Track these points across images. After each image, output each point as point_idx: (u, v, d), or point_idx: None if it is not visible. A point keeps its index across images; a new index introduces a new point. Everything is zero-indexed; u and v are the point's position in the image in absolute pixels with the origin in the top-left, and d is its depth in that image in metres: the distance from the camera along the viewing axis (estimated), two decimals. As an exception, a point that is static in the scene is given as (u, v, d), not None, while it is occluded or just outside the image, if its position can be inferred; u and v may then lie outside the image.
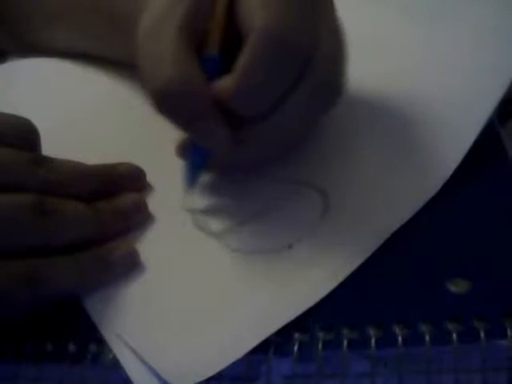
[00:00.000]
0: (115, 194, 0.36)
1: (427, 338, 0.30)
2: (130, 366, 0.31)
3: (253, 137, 0.35)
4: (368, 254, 0.33)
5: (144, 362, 0.30)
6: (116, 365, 0.31)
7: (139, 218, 0.36)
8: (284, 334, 0.31)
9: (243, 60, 0.32)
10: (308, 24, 0.33)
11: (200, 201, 0.37)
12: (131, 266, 0.34)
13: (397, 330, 0.30)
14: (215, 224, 0.36)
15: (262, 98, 0.33)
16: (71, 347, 0.32)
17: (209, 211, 0.37)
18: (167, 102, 0.32)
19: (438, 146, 0.38)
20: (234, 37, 0.33)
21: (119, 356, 0.31)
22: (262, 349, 0.30)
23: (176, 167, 0.38)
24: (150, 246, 0.35)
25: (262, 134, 0.34)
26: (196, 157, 0.36)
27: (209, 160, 0.36)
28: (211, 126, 0.33)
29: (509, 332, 0.30)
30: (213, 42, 0.33)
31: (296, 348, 0.30)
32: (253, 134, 0.34)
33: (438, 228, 0.35)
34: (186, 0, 0.33)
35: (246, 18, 0.32)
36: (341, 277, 0.32)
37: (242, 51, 0.32)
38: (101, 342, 0.32)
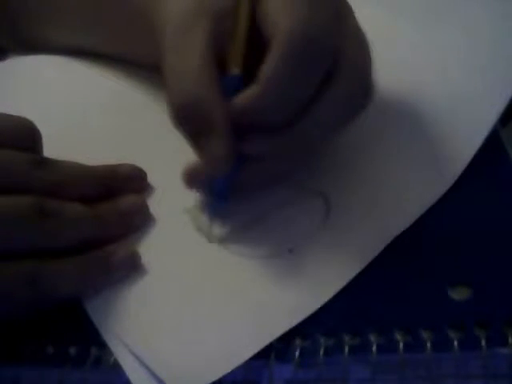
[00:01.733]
0: (116, 196, 0.36)
1: (428, 344, 0.30)
2: (131, 369, 0.30)
3: (279, 149, 0.34)
4: (369, 259, 0.33)
5: (145, 366, 0.30)
6: (117, 368, 0.31)
7: (140, 220, 0.36)
8: (285, 340, 0.31)
9: (269, 63, 0.31)
10: (333, 25, 0.32)
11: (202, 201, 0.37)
12: (132, 268, 0.34)
13: (398, 336, 0.30)
14: (216, 227, 0.36)
15: (290, 101, 0.32)
16: (72, 350, 0.31)
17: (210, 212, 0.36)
18: (183, 117, 0.33)
19: (440, 152, 0.38)
20: (253, 53, 0.33)
21: (120, 359, 0.31)
22: (264, 354, 0.30)
23: (177, 168, 0.38)
24: (151, 248, 0.35)
25: (288, 145, 0.34)
26: (217, 183, 0.35)
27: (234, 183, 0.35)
28: (221, 143, 0.33)
29: (510, 340, 0.30)
30: (235, 61, 0.33)
31: (297, 354, 0.30)
32: (279, 145, 0.34)
33: (440, 234, 0.35)
34: (210, 12, 0.34)
35: (269, 22, 0.32)
36: (342, 282, 0.33)
37: (266, 56, 0.32)
38: (102, 345, 0.32)
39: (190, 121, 0.33)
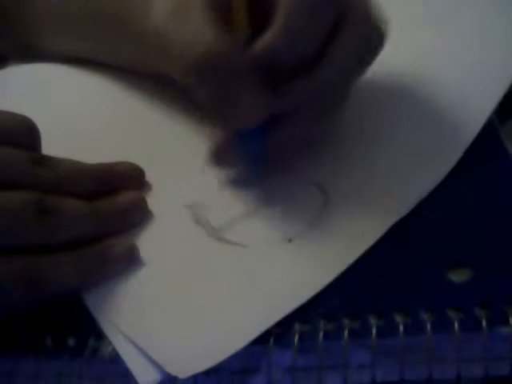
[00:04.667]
0: (115, 193, 0.36)
1: (428, 326, 0.30)
2: (130, 359, 0.30)
3: (299, 96, 0.34)
4: (368, 245, 0.33)
5: (144, 355, 0.30)
6: (115, 358, 0.30)
7: (139, 216, 0.36)
8: (284, 325, 0.30)
9: (282, 6, 0.32)
10: None
11: (201, 196, 0.37)
12: (130, 261, 0.34)
13: (398, 318, 0.30)
14: (215, 219, 0.36)
15: (307, 40, 0.32)
16: (70, 341, 0.31)
17: (209, 205, 0.37)
18: (208, 71, 0.32)
19: (438, 139, 0.38)
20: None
21: (119, 349, 0.31)
22: (263, 340, 0.30)
23: (175, 166, 0.38)
24: (149, 241, 0.35)
25: (308, 91, 0.34)
26: (252, 145, 0.35)
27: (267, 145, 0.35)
28: (254, 90, 0.33)
29: (511, 320, 0.29)
30: (241, 24, 0.33)
31: (296, 338, 0.30)
32: (298, 93, 0.34)
33: (439, 218, 0.35)
34: None
35: None
36: (341, 267, 0.32)
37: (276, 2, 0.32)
38: (100, 336, 0.31)
39: (213, 74, 0.32)
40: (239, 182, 0.37)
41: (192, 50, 0.32)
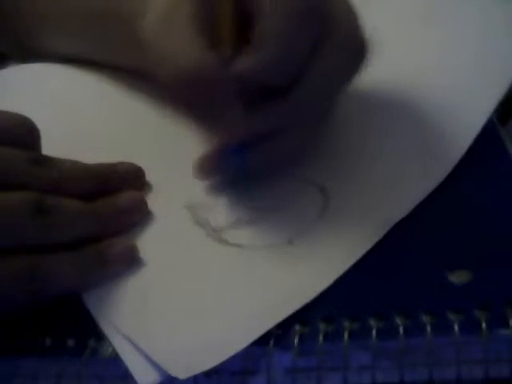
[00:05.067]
0: (115, 193, 0.36)
1: (428, 328, 0.30)
2: (130, 359, 0.30)
3: (287, 115, 0.34)
4: (368, 247, 0.33)
5: (144, 355, 0.30)
6: (115, 359, 0.30)
7: (139, 216, 0.36)
8: (284, 326, 0.30)
9: (263, 25, 0.32)
10: None
11: (201, 196, 0.37)
12: (130, 261, 0.34)
13: (398, 320, 0.30)
14: (215, 220, 0.36)
15: (288, 58, 0.33)
16: (70, 342, 0.31)
17: (209, 207, 0.37)
18: (189, 85, 0.33)
19: (437, 142, 0.38)
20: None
21: (119, 350, 0.31)
22: (263, 341, 0.30)
23: (175, 166, 0.39)
24: (149, 242, 0.35)
25: (288, 112, 0.34)
26: (234, 160, 0.35)
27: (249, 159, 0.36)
28: (235, 109, 0.33)
29: (510, 322, 0.29)
30: (225, 40, 0.33)
31: (297, 340, 0.30)
32: (286, 111, 0.34)
33: (439, 219, 0.35)
34: None
35: None
36: (341, 269, 0.32)
37: (257, 21, 0.32)
38: (100, 336, 0.31)
39: (193, 89, 0.33)
40: (226, 189, 0.37)
41: (174, 63, 0.33)
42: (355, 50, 0.35)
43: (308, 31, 0.33)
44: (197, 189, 0.38)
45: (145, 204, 0.37)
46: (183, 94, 0.34)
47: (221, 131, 0.34)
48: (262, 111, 0.34)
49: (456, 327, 0.30)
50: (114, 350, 0.31)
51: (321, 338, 0.30)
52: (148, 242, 0.35)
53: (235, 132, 0.34)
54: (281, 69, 0.33)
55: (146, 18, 0.35)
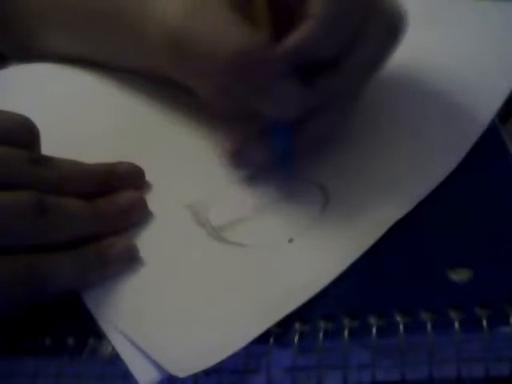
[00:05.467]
0: (114, 193, 0.36)
1: (429, 326, 0.30)
2: (130, 358, 0.30)
3: (332, 89, 0.35)
4: (368, 245, 0.33)
5: (144, 354, 0.30)
6: (115, 358, 0.30)
7: (138, 215, 0.36)
8: (284, 325, 0.30)
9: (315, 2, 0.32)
10: None
11: (201, 196, 0.37)
12: (130, 261, 0.34)
13: (398, 318, 0.30)
14: (215, 219, 0.36)
15: (340, 32, 0.33)
16: (70, 341, 0.31)
17: (209, 205, 0.37)
18: (244, 68, 0.33)
19: (439, 140, 0.38)
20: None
21: (119, 349, 0.31)
22: (263, 339, 0.30)
23: (176, 166, 0.39)
24: (149, 241, 0.35)
25: (341, 84, 0.35)
26: (280, 140, 0.35)
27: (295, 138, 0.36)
28: (292, 85, 0.33)
29: (511, 319, 0.29)
30: (261, 21, 0.34)
31: (296, 338, 0.30)
32: (332, 86, 0.35)
33: (439, 217, 0.35)
34: None
35: None
36: (341, 267, 0.32)
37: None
38: (100, 335, 0.31)
39: (249, 71, 0.33)
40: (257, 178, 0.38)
41: (224, 50, 0.33)
42: (395, 24, 0.35)
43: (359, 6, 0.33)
44: (197, 188, 0.38)
45: (144, 204, 0.37)
46: (240, 81, 0.33)
47: (280, 108, 0.34)
48: (318, 85, 0.34)
49: (456, 325, 0.30)
50: (113, 348, 0.31)
51: (321, 336, 0.30)
52: (148, 242, 0.35)
53: (295, 106, 0.34)
54: (334, 38, 0.33)
55: (169, 11, 0.35)
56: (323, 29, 0.33)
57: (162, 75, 0.40)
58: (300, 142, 0.36)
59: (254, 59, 0.32)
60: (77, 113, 0.43)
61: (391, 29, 0.35)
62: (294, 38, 0.33)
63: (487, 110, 0.40)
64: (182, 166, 0.39)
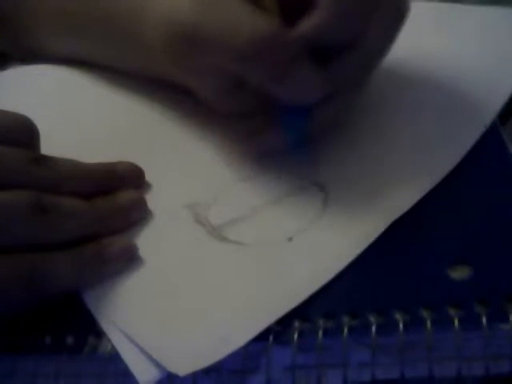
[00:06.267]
0: (114, 193, 0.36)
1: (428, 324, 0.30)
2: (129, 357, 0.30)
3: (349, 71, 0.35)
4: (367, 244, 0.33)
5: (143, 353, 0.30)
6: (115, 357, 0.30)
7: (138, 215, 0.36)
8: (284, 323, 0.30)
9: None
10: None
11: (201, 195, 0.37)
12: (129, 260, 0.34)
13: (398, 316, 0.30)
14: (215, 218, 0.36)
15: (356, 17, 0.34)
16: (69, 339, 0.31)
17: (209, 205, 0.37)
18: (263, 53, 0.33)
19: (439, 138, 0.39)
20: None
21: (118, 347, 0.31)
22: (262, 337, 0.30)
23: (175, 166, 0.39)
24: (149, 241, 0.35)
25: (356, 65, 0.35)
26: (295, 128, 0.36)
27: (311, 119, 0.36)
28: (307, 66, 0.34)
29: (511, 317, 0.29)
30: (270, 8, 0.34)
31: (296, 336, 0.30)
32: (348, 68, 0.35)
33: (439, 216, 0.35)
34: None
35: None
36: (341, 266, 0.32)
37: None
38: (99, 334, 0.31)
39: (268, 55, 0.33)
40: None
41: (242, 37, 0.33)
42: (402, 10, 0.36)
43: None
44: (197, 188, 0.38)
45: (144, 203, 0.37)
46: (258, 66, 0.33)
47: (301, 91, 0.34)
48: (332, 69, 0.35)
49: (456, 322, 0.29)
50: (113, 347, 0.31)
51: (320, 334, 0.30)
52: (148, 241, 0.35)
53: (316, 88, 0.34)
54: (351, 20, 0.34)
55: (175, 8, 0.35)
56: (340, 12, 0.33)
57: (158, 77, 0.40)
58: (320, 122, 0.37)
59: (272, 44, 0.33)
60: (77, 113, 0.44)
61: (399, 14, 0.36)
62: (311, 21, 0.33)
63: (488, 111, 0.40)
64: (182, 165, 0.39)
